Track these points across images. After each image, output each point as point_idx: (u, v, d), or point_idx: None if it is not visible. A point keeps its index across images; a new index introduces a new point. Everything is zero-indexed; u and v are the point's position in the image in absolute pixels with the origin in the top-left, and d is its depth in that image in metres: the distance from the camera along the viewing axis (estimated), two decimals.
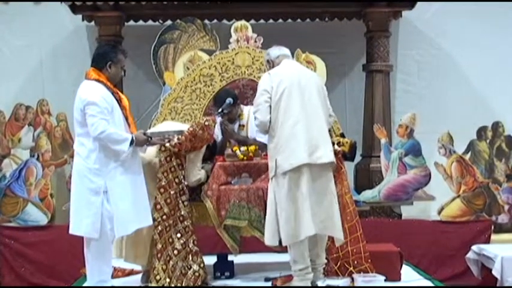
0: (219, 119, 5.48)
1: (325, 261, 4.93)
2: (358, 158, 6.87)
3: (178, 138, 4.91)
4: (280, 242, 4.72)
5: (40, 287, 6.60)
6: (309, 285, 4.75)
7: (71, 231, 4.62)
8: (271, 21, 7.48)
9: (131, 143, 4.56)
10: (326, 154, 4.71)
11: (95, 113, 4.50)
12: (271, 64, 5.00)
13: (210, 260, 5.30)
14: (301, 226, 4.61)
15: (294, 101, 4.72)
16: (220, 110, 5.45)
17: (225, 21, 7.35)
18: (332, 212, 4.74)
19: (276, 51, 5.03)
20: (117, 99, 4.65)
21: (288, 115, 4.69)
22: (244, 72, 6.55)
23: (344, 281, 4.84)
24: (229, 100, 5.57)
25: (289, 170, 4.61)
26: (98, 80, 4.64)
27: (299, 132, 4.66)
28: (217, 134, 5.64)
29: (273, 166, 4.68)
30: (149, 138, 4.74)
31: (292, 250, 4.72)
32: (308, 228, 4.61)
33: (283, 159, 4.64)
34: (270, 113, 4.72)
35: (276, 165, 4.65)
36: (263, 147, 5.19)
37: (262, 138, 5.23)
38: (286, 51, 5.05)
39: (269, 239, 4.75)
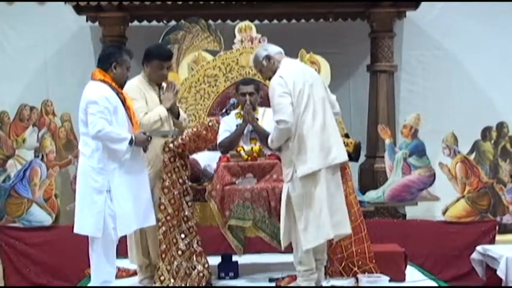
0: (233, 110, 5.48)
1: (327, 257, 4.92)
2: (362, 159, 6.85)
3: (181, 139, 4.91)
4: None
5: (44, 287, 6.61)
6: (314, 285, 4.74)
7: (75, 231, 4.64)
8: (275, 21, 7.46)
9: (130, 142, 4.57)
10: (340, 154, 4.69)
11: (95, 111, 4.53)
12: (271, 60, 4.81)
13: (215, 260, 5.30)
14: (320, 230, 4.57)
15: (308, 102, 4.63)
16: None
17: (229, 21, 7.34)
18: (344, 209, 4.75)
19: (274, 47, 4.89)
20: (121, 100, 4.67)
21: (303, 118, 4.61)
22: (249, 72, 6.53)
23: (348, 282, 4.84)
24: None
25: (307, 174, 4.56)
26: (103, 81, 4.66)
27: (315, 135, 4.60)
28: (230, 124, 5.55)
29: (290, 171, 4.62)
30: (149, 138, 4.74)
31: (300, 252, 4.67)
32: (327, 232, 4.59)
33: (301, 164, 4.57)
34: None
35: (294, 170, 4.59)
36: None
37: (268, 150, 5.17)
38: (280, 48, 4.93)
39: (283, 240, 4.73)
